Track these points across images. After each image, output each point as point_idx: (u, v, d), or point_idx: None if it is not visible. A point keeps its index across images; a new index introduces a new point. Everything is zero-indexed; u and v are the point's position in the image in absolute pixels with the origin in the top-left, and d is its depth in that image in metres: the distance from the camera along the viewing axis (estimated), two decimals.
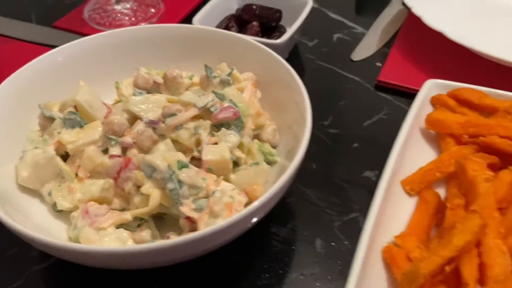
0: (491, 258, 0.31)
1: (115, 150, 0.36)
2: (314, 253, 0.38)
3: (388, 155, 0.39)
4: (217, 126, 0.37)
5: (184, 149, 0.37)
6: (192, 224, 0.33)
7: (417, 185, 0.39)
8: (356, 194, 0.43)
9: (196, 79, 0.44)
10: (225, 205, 0.33)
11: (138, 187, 0.35)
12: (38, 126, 0.40)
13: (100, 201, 0.35)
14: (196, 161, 0.36)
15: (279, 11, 0.56)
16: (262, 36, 0.55)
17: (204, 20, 0.55)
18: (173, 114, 0.36)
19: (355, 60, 0.58)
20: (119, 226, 0.34)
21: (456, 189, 0.37)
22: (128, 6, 0.64)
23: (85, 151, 0.36)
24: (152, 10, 0.64)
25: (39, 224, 0.36)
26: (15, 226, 0.30)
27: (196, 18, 0.54)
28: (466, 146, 0.40)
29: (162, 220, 0.36)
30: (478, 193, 0.34)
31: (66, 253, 0.29)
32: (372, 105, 0.53)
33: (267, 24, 0.56)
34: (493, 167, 0.39)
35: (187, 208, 0.32)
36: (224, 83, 0.42)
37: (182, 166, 0.33)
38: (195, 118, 0.37)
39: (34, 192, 0.38)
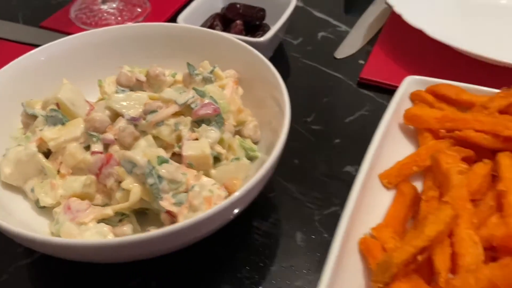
0: (463, 248, 0.32)
1: (97, 147, 0.37)
2: (295, 246, 0.39)
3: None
4: (198, 122, 0.38)
5: (165, 145, 0.37)
6: (173, 218, 0.34)
7: (394, 179, 0.40)
8: (337, 188, 0.44)
9: (179, 77, 0.45)
10: (204, 199, 0.33)
11: (120, 182, 0.35)
12: (21, 124, 0.41)
13: (82, 197, 0.36)
14: (177, 157, 0.37)
15: (262, 10, 0.57)
16: (246, 35, 0.55)
17: (188, 19, 0.55)
18: (154, 111, 0.37)
19: (338, 58, 0.59)
20: (100, 221, 0.34)
21: (431, 181, 0.38)
22: (114, 5, 0.64)
23: (67, 148, 0.36)
24: (139, 9, 0.65)
25: (23, 220, 0.36)
26: None
27: (181, 17, 0.55)
28: (442, 140, 0.41)
29: (145, 215, 0.37)
30: (451, 185, 0.35)
31: (46, 247, 0.30)
32: (354, 101, 0.53)
33: (250, 22, 0.57)
34: (468, 160, 0.40)
35: (167, 203, 0.33)
36: (206, 80, 0.43)
37: (162, 161, 0.34)
38: (176, 114, 0.38)
39: (17, 189, 0.38)
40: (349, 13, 0.68)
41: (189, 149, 0.36)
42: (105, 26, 0.48)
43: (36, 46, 0.46)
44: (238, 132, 0.42)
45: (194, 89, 0.39)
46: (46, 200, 0.36)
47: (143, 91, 0.42)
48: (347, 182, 0.45)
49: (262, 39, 0.52)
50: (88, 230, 0.33)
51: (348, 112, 0.52)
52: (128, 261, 0.33)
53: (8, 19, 0.65)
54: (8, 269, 0.38)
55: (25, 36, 0.61)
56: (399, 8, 0.56)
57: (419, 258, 0.31)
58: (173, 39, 0.48)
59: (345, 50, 0.60)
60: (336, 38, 0.63)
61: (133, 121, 0.37)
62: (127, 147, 0.36)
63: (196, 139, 0.37)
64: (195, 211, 0.33)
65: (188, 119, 0.38)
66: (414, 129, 0.45)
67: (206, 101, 0.38)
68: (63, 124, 0.37)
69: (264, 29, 0.56)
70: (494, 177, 0.37)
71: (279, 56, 0.59)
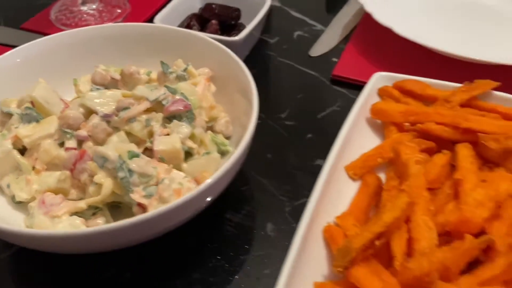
0: (418, 233, 0.33)
1: (71, 143, 0.38)
2: (265, 236, 0.41)
3: None
4: (170, 118, 0.40)
5: (138, 141, 0.39)
6: (144, 211, 0.35)
7: (359, 170, 0.41)
8: (307, 180, 0.45)
9: (154, 75, 0.46)
10: (174, 191, 0.35)
11: (93, 177, 0.36)
12: None
13: (57, 191, 0.37)
14: (149, 152, 0.38)
15: (237, 10, 0.59)
16: (222, 34, 0.57)
17: (165, 19, 0.57)
18: (126, 108, 0.38)
19: (313, 56, 0.61)
20: (74, 214, 0.36)
21: (393, 172, 0.39)
22: (94, 7, 0.65)
23: (42, 144, 0.38)
24: (118, 10, 0.66)
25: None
26: None
27: (158, 17, 0.56)
28: (406, 133, 0.43)
29: (118, 209, 0.38)
30: (409, 174, 0.36)
31: (17, 238, 0.31)
32: (327, 98, 0.55)
33: (226, 22, 0.58)
34: (430, 152, 0.41)
35: (137, 195, 0.34)
36: (180, 78, 0.44)
37: (132, 155, 0.35)
38: (148, 111, 0.39)
39: None
40: (323, 12, 0.69)
41: (160, 144, 0.37)
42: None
43: (16, 47, 0.47)
44: (210, 128, 0.43)
45: (165, 86, 0.40)
46: (22, 195, 0.37)
47: (118, 89, 0.43)
48: (317, 175, 0.46)
49: (236, 38, 0.53)
50: (61, 223, 0.34)
51: (320, 108, 0.54)
52: (101, 251, 0.34)
53: None
54: None
55: (5, 38, 0.62)
56: (369, 7, 0.58)
57: (377, 243, 0.33)
58: (148, 38, 0.49)
59: (319, 48, 0.62)
60: (312, 37, 0.64)
61: (106, 117, 0.38)
62: (100, 143, 0.38)
63: (168, 134, 0.39)
64: (164, 202, 0.34)
65: (160, 115, 0.39)
66: (381, 123, 0.47)
67: (177, 97, 0.39)
68: (37, 121, 0.39)
69: (239, 28, 0.58)
70: (454, 167, 0.39)
71: (255, 55, 0.61)
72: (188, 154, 0.40)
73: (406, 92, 0.48)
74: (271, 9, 0.68)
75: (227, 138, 0.44)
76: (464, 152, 0.39)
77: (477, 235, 0.33)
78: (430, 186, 0.38)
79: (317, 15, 0.68)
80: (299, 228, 0.35)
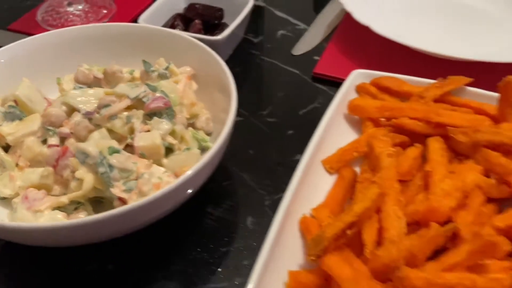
0: (388, 223, 0.35)
1: (54, 140, 0.39)
2: (245, 229, 0.42)
3: None
4: (150, 115, 0.41)
5: (119, 137, 0.40)
6: (124, 205, 0.36)
7: (336, 164, 0.43)
8: (286, 175, 0.46)
9: (137, 74, 0.48)
10: (154, 185, 0.36)
11: (75, 173, 0.37)
12: None
13: (40, 187, 0.38)
14: (131, 148, 0.39)
15: (220, 10, 0.60)
16: (205, 33, 0.58)
17: (150, 19, 0.58)
18: (107, 105, 0.39)
19: (295, 54, 0.62)
20: (56, 209, 0.37)
21: (367, 165, 0.41)
22: (80, 7, 0.66)
23: (25, 141, 0.39)
24: (104, 11, 0.67)
25: None
26: None
27: (142, 17, 0.57)
28: (381, 128, 0.44)
29: (101, 204, 0.39)
30: (381, 166, 0.38)
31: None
32: (308, 95, 0.57)
33: (209, 22, 0.59)
34: (403, 145, 0.43)
35: (117, 190, 0.35)
36: (162, 76, 0.46)
37: (113, 151, 0.36)
38: (128, 108, 0.40)
39: None
40: (307, 12, 0.71)
41: (141, 140, 0.38)
42: None
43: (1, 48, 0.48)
44: (191, 125, 0.45)
45: (146, 84, 0.42)
46: (5, 191, 0.38)
47: (101, 88, 0.44)
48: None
49: (218, 37, 0.54)
50: (42, 217, 0.35)
51: (302, 105, 0.55)
52: (82, 244, 0.35)
53: None
54: None
55: None
56: (349, 6, 0.59)
57: (349, 232, 0.34)
58: (131, 38, 0.50)
59: (302, 47, 0.63)
60: (295, 36, 0.66)
61: (88, 115, 0.39)
62: (82, 139, 0.39)
63: (148, 131, 0.40)
64: (144, 196, 0.35)
65: (140, 112, 0.40)
66: (358, 119, 0.48)
67: (158, 95, 0.41)
68: (21, 119, 0.40)
69: (222, 28, 0.59)
70: (426, 160, 0.41)
71: (239, 54, 0.62)
72: (169, 150, 0.41)
73: (382, 88, 0.49)
74: (256, 9, 0.69)
75: (208, 134, 0.45)
76: (435, 145, 0.40)
77: (444, 224, 0.34)
78: (402, 178, 0.39)
79: (301, 15, 0.70)
80: (274, 220, 0.36)
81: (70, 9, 0.66)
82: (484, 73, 0.51)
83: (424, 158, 0.40)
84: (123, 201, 0.36)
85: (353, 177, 0.41)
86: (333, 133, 0.46)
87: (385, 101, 0.47)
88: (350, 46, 0.61)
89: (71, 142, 0.39)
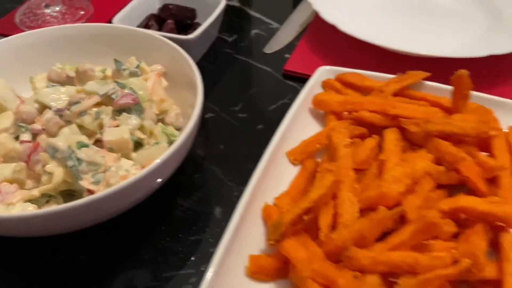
0: (342, 208, 0.37)
1: (26, 136, 0.40)
2: (213, 219, 0.44)
3: None
4: (119, 111, 0.42)
5: (89, 133, 0.41)
6: None
7: (299, 156, 0.45)
8: (255, 167, 0.49)
9: (109, 72, 0.49)
10: (121, 177, 0.38)
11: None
12: None
13: (13, 182, 0.40)
14: (101, 143, 0.41)
15: (193, 10, 0.62)
16: (178, 33, 0.60)
17: (124, 20, 0.59)
18: (77, 102, 0.41)
19: (267, 52, 0.64)
20: (28, 202, 0.38)
21: (327, 156, 0.43)
22: (57, 9, 0.68)
23: None
24: (81, 12, 0.68)
25: None
26: None
27: (116, 18, 0.59)
28: (342, 121, 0.47)
29: (72, 197, 0.41)
30: (338, 156, 0.40)
31: None
32: (278, 91, 0.59)
33: (182, 22, 0.61)
34: (362, 137, 0.45)
35: (86, 182, 0.37)
36: (133, 74, 0.47)
37: (81, 146, 0.38)
38: (98, 105, 0.42)
39: None
40: (280, 11, 0.73)
41: (109, 135, 0.40)
42: None
43: None
44: (161, 120, 0.46)
45: (115, 81, 0.43)
46: None
47: (74, 86, 0.46)
48: None
49: (190, 36, 0.56)
50: (14, 209, 0.37)
51: (272, 101, 0.57)
52: (52, 234, 0.37)
53: None
54: None
55: None
56: (317, 6, 0.62)
57: (305, 218, 0.36)
58: (104, 38, 0.52)
59: (273, 45, 0.65)
60: (268, 35, 0.68)
61: (59, 112, 0.41)
62: (53, 135, 0.40)
63: (118, 126, 0.41)
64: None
65: (110, 109, 0.42)
66: (323, 113, 0.51)
67: (126, 92, 0.42)
68: None
69: (195, 27, 0.61)
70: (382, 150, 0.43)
71: (213, 52, 0.64)
72: (139, 144, 0.43)
73: (346, 84, 0.51)
74: (231, 9, 0.71)
75: (178, 129, 0.47)
76: (391, 136, 0.43)
77: (394, 208, 0.36)
78: (359, 167, 0.41)
79: (274, 15, 0.72)
80: (237, 208, 0.38)
81: (48, 10, 0.67)
82: (447, 68, 0.53)
83: (381, 148, 0.43)
84: (92, 193, 0.38)
85: (315, 167, 0.43)
86: (298, 126, 0.48)
87: (348, 95, 0.50)
88: (320, 44, 0.63)
89: (42, 138, 0.40)
